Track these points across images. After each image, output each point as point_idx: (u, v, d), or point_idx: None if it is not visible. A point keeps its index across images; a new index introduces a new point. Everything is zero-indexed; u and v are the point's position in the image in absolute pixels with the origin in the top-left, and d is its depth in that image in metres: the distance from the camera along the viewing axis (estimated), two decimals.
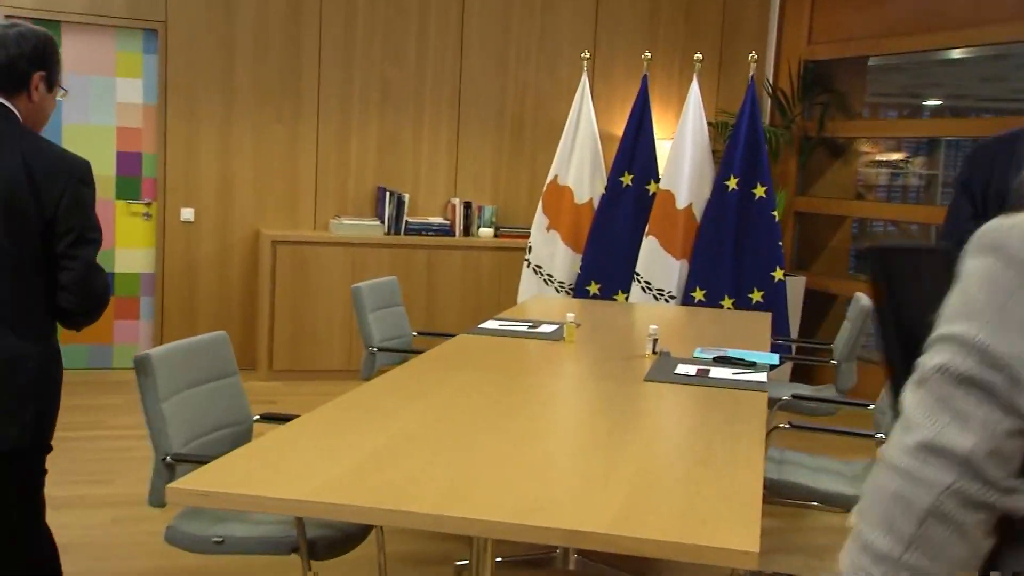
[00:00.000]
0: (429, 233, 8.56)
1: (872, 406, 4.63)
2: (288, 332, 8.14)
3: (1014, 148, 4.21)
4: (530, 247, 7.90)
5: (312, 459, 2.92)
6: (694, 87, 7.55)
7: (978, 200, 4.09)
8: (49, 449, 3.39)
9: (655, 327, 4.77)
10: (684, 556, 2.46)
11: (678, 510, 2.64)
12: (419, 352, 4.77)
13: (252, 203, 8.38)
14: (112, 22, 7.94)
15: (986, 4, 7.66)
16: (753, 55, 7.59)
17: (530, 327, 5.30)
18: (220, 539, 3.38)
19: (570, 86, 8.59)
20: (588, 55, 7.86)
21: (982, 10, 7.68)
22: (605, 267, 7.62)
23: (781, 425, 4.29)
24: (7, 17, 7.16)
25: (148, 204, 8.23)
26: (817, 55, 9.04)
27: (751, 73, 7.46)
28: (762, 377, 4.39)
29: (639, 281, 7.55)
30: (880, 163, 9.30)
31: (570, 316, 5.06)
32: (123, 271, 8.24)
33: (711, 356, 4.76)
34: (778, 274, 7.36)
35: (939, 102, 8.98)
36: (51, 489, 5.61)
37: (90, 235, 3.24)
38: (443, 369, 4.26)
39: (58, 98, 3.43)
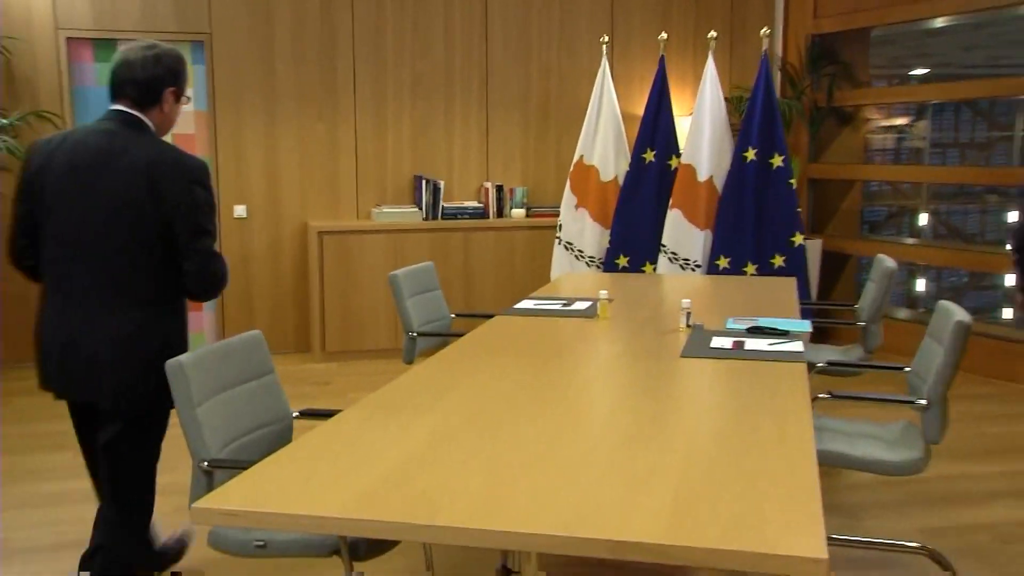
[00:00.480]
0: (464, 217, 8.14)
1: (908, 369, 4.15)
2: (338, 316, 7.75)
3: None
4: (560, 225, 7.49)
5: (342, 469, 2.50)
6: (710, 64, 7.08)
7: None
8: (170, 408, 3.23)
9: (688, 301, 4.31)
10: (745, 565, 2.02)
11: (734, 512, 2.19)
12: (459, 335, 4.37)
13: (298, 197, 8.02)
14: (162, 36, 7.60)
15: None
16: (766, 29, 7.13)
17: (564, 305, 4.85)
18: (262, 543, 3.00)
19: (590, 69, 8.16)
20: (607, 39, 7.39)
21: None
22: (632, 240, 7.18)
23: (822, 396, 3.81)
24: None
25: None
26: (823, 28, 8.57)
27: (764, 48, 6.99)
28: (798, 346, 3.93)
29: (666, 252, 7.10)
30: (885, 128, 8.96)
31: (603, 293, 4.60)
32: None
33: (744, 327, 4.30)
34: (797, 239, 6.90)
35: (927, 70, 8.64)
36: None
37: (206, 228, 3.33)
38: (478, 356, 3.82)
39: (183, 107, 3.55)
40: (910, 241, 8.79)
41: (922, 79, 8.77)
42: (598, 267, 7.36)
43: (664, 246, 7.10)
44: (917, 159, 8.93)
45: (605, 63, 7.35)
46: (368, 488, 2.35)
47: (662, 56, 7.19)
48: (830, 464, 3.80)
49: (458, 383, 3.37)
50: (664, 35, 7.27)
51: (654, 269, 7.16)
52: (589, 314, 4.62)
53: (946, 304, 4.00)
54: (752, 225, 6.93)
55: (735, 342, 3.99)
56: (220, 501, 2.32)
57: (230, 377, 3.17)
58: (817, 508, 2.22)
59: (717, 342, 3.99)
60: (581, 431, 2.85)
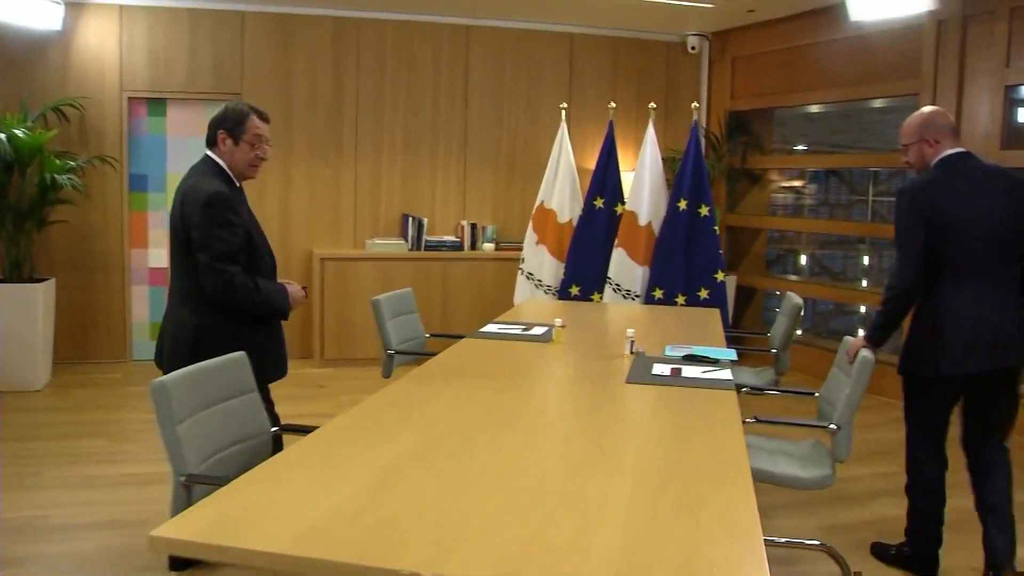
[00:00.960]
0: (443, 249, 7.65)
1: (817, 394, 3.71)
2: (335, 329, 7.23)
3: (950, 184, 3.45)
4: (523, 258, 7.00)
5: (298, 499, 2.01)
6: (650, 129, 6.64)
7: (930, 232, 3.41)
8: None
9: (632, 331, 3.84)
10: None
11: (682, 551, 1.73)
12: (431, 354, 3.91)
13: (305, 229, 7.49)
14: (202, 95, 7.24)
15: (843, 72, 7.11)
16: (695, 104, 6.74)
17: (524, 329, 4.37)
18: None
19: (549, 130, 7.69)
20: (565, 106, 6.94)
21: (842, 75, 7.09)
22: (583, 273, 6.71)
23: (748, 420, 3.35)
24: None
25: None
26: (738, 106, 8.19)
27: (694, 119, 6.59)
28: (727, 375, 3.48)
29: (611, 284, 6.63)
30: (782, 188, 8.71)
31: (557, 321, 4.13)
32: None
33: (680, 354, 3.84)
34: (719, 275, 6.45)
35: (807, 147, 8.32)
36: (136, 466, 4.73)
37: (207, 242, 3.16)
38: (443, 379, 3.33)
39: (255, 152, 3.37)
40: (793, 278, 8.50)
41: (805, 152, 8.61)
42: (554, 294, 6.89)
43: (610, 278, 6.64)
44: (800, 214, 8.77)
45: (564, 125, 6.89)
46: (320, 522, 1.86)
47: (611, 121, 6.74)
48: (754, 479, 3.35)
49: (421, 407, 2.88)
50: (613, 104, 6.82)
51: (600, 297, 6.70)
52: (545, 339, 4.15)
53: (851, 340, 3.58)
54: (682, 263, 6.48)
55: (673, 369, 3.53)
56: (178, 531, 1.83)
57: (212, 395, 2.67)
58: (759, 544, 1.75)
59: (657, 369, 3.52)
60: (534, 459, 2.37)
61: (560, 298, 6.76)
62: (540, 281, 6.94)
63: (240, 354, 2.86)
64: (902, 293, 3.45)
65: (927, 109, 3.59)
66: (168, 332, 3.34)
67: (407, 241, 7.55)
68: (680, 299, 6.46)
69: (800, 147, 8.64)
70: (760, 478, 3.30)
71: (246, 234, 3.27)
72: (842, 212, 8.64)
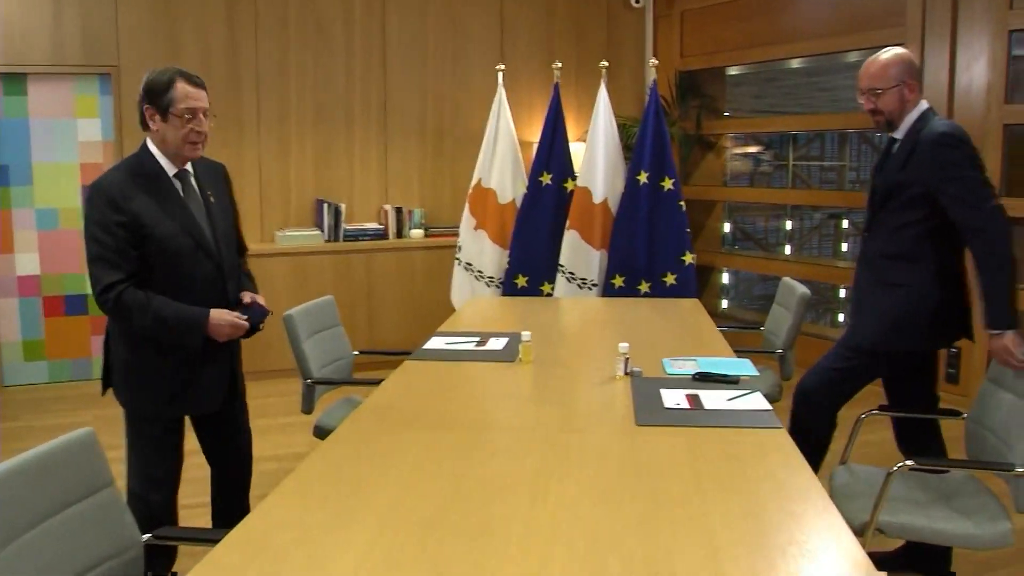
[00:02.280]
0: (365, 238, 6.70)
1: (965, 415, 2.93)
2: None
3: None
4: (460, 246, 6.13)
5: None
6: (602, 91, 5.81)
7: None
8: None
9: (625, 346, 3.02)
10: None
11: None
12: (360, 383, 3.05)
13: None
14: (70, 70, 6.12)
15: (814, 21, 6.39)
16: (654, 60, 5.96)
17: (478, 343, 3.53)
18: None
19: (480, 98, 6.85)
20: (503, 67, 6.05)
21: (813, 25, 6.39)
22: (530, 261, 5.87)
23: (900, 465, 2.54)
24: None
25: None
26: (689, 66, 7.42)
27: (653, 78, 5.77)
28: (760, 401, 2.69)
29: (563, 272, 5.81)
30: (740, 155, 7.96)
31: (525, 335, 3.27)
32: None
33: (686, 371, 3.04)
34: (688, 257, 5.68)
35: (773, 104, 7.75)
36: None
37: (85, 242, 2.68)
38: (389, 430, 2.43)
39: (190, 126, 2.76)
40: (759, 254, 7.84)
41: (768, 114, 7.90)
42: (497, 287, 6.04)
43: (562, 266, 5.81)
44: (765, 183, 8.06)
45: (501, 90, 6.01)
46: None
47: (556, 84, 5.88)
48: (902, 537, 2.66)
49: (367, 487, 2.00)
50: (558, 65, 5.95)
51: (552, 288, 5.87)
52: (508, 357, 3.30)
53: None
54: (645, 245, 5.69)
55: (689, 397, 2.72)
56: None
57: (45, 505, 1.75)
58: None
59: (668, 399, 2.71)
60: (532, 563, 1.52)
61: (505, 292, 5.91)
62: (481, 272, 6.07)
63: (87, 431, 1.92)
64: (1004, 230, 2.89)
65: (897, 49, 3.17)
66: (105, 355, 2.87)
67: (323, 231, 6.58)
68: (644, 287, 5.68)
69: (763, 109, 7.96)
70: (910, 535, 2.55)
71: (140, 233, 2.66)
72: (817, 179, 8.07)
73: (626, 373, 2.98)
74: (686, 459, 2.18)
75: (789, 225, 8.18)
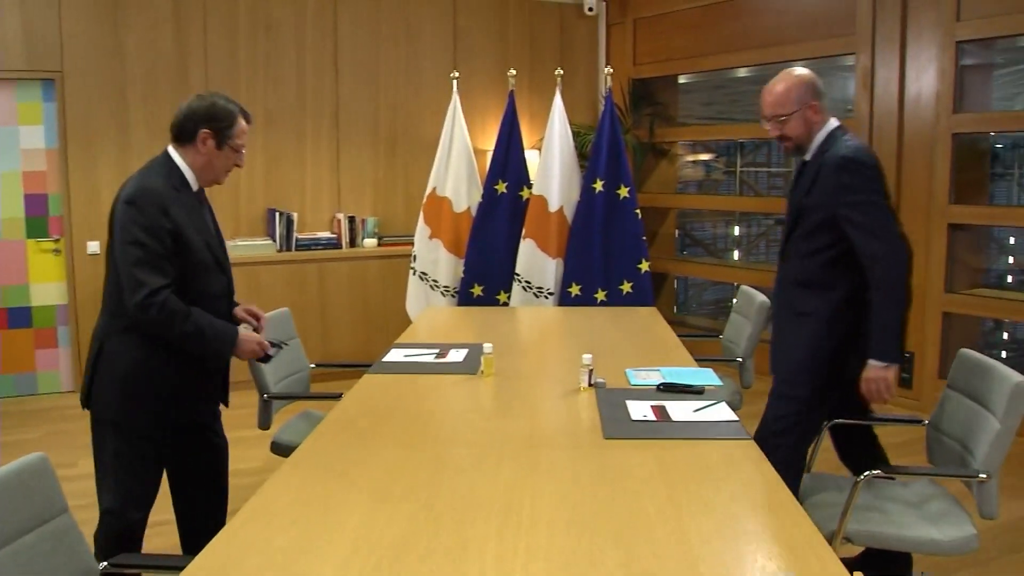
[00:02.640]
0: (318, 248, 6.60)
1: (926, 421, 2.94)
2: None
3: None
4: (415, 255, 6.06)
5: None
6: (557, 99, 5.80)
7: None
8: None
9: (589, 357, 2.99)
10: None
11: None
12: (317, 397, 2.99)
13: None
14: (11, 75, 5.92)
15: (766, 30, 6.44)
16: (609, 69, 5.96)
17: (438, 355, 3.48)
18: None
19: (433, 106, 6.81)
20: (457, 75, 6.01)
21: (765, 34, 6.44)
22: (486, 270, 5.83)
23: (867, 474, 2.54)
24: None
25: (57, 240, 6.15)
26: (642, 73, 7.46)
27: (608, 85, 5.77)
28: (727, 412, 2.69)
29: (519, 281, 5.78)
30: (692, 163, 7.99)
31: (487, 347, 3.24)
32: (39, 304, 6.16)
33: (650, 382, 3.03)
34: (644, 265, 5.69)
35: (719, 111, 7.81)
36: None
37: (125, 245, 2.58)
38: (355, 448, 2.38)
39: (235, 160, 2.91)
40: (710, 260, 7.91)
41: (720, 122, 7.95)
42: (453, 296, 5.98)
43: (518, 275, 5.78)
44: (714, 190, 8.14)
45: (456, 98, 5.96)
46: None
47: (511, 91, 5.85)
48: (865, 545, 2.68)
49: (333, 514, 1.94)
50: (513, 72, 5.93)
51: (508, 298, 5.84)
52: (470, 370, 3.26)
53: (975, 357, 2.81)
54: (601, 253, 5.69)
55: (655, 409, 2.71)
56: None
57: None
58: None
59: (635, 411, 2.69)
60: None
61: (461, 301, 5.86)
62: (436, 282, 6.02)
63: (38, 456, 1.84)
64: (902, 260, 2.79)
65: (797, 70, 3.02)
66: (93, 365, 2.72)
67: (275, 240, 6.47)
68: (600, 295, 5.68)
69: (714, 117, 8.03)
70: (878, 543, 2.56)
71: (180, 243, 2.66)
72: (765, 185, 8.15)
73: (590, 384, 2.96)
74: (658, 473, 2.16)
75: (737, 231, 8.27)
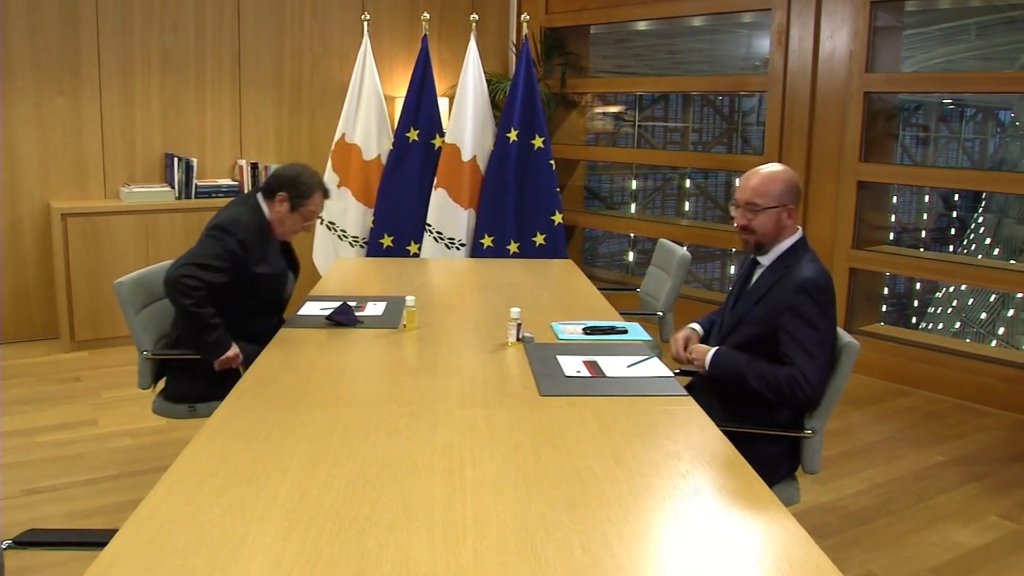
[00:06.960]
0: (219, 195, 6.28)
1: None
2: (87, 302, 5.75)
3: None
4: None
5: None
6: (472, 46, 5.63)
7: None
8: None
9: (517, 310, 2.90)
10: None
11: None
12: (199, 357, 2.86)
13: (39, 177, 5.86)
14: None
15: None
16: (526, 16, 5.83)
17: (356, 309, 3.32)
18: None
19: (341, 50, 6.58)
20: (368, 17, 5.75)
21: None
22: (396, 220, 5.67)
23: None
24: None
25: None
26: (554, 23, 7.30)
27: (525, 33, 5.65)
28: (664, 370, 2.63)
29: (431, 232, 5.64)
30: (600, 115, 7.90)
31: (409, 300, 3.12)
32: None
33: (579, 328, 2.97)
34: (557, 217, 5.63)
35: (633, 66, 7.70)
36: None
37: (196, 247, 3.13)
38: (278, 410, 2.22)
39: (304, 225, 3.39)
40: (614, 213, 7.88)
41: (632, 75, 7.85)
42: (362, 247, 5.79)
43: (429, 225, 5.63)
44: (612, 142, 8.00)
45: (367, 41, 5.72)
46: None
47: (424, 36, 5.64)
48: None
49: (260, 491, 1.80)
50: (427, 16, 5.71)
51: (419, 248, 5.69)
52: (391, 323, 3.13)
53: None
54: (514, 204, 5.59)
55: (588, 364, 2.64)
56: None
57: None
58: None
59: (568, 366, 2.61)
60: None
61: (370, 252, 5.70)
62: (344, 232, 5.83)
63: None
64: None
65: (786, 168, 2.77)
66: None
67: (173, 187, 6.14)
68: (513, 247, 5.59)
69: (613, 70, 7.95)
70: None
71: (241, 271, 3.14)
72: (661, 140, 8.15)
73: (519, 339, 2.88)
74: (599, 432, 2.09)
75: (635, 184, 8.29)
